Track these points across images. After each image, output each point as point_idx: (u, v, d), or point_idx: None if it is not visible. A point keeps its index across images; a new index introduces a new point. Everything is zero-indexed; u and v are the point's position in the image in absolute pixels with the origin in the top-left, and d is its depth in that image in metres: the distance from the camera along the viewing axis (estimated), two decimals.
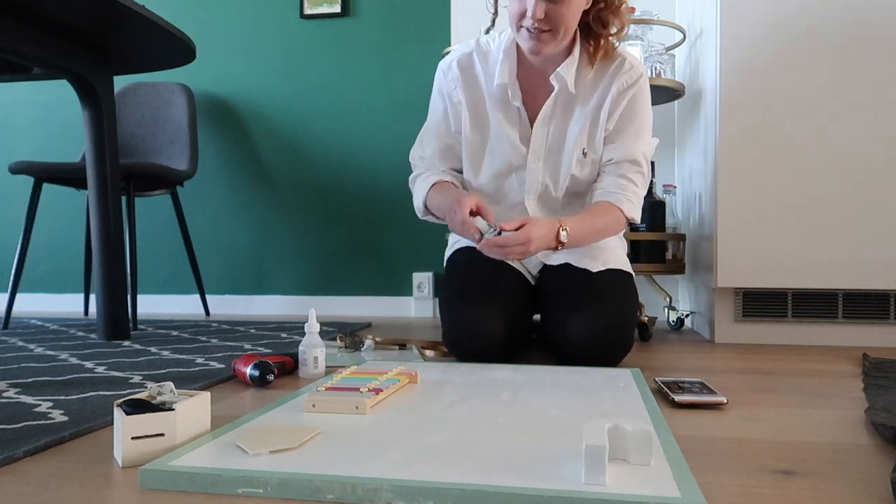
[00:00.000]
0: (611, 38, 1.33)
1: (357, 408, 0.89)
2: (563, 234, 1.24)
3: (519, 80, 1.37)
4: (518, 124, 1.39)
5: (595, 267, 1.35)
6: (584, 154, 1.37)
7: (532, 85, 1.38)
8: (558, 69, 1.32)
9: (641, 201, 1.39)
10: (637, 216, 1.38)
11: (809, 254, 1.69)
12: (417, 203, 1.43)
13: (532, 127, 1.38)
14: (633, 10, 1.90)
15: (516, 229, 1.20)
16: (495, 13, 2.01)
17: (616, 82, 1.34)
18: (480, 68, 1.40)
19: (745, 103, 1.71)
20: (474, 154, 1.43)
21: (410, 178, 1.48)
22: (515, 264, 1.47)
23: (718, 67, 1.72)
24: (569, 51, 1.34)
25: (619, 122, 1.36)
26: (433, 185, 1.39)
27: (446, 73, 1.42)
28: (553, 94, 1.35)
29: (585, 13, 1.29)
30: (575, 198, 1.44)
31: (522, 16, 1.23)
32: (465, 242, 1.49)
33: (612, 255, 1.40)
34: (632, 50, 1.93)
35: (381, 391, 0.96)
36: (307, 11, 2.65)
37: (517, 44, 1.35)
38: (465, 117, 1.41)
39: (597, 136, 1.37)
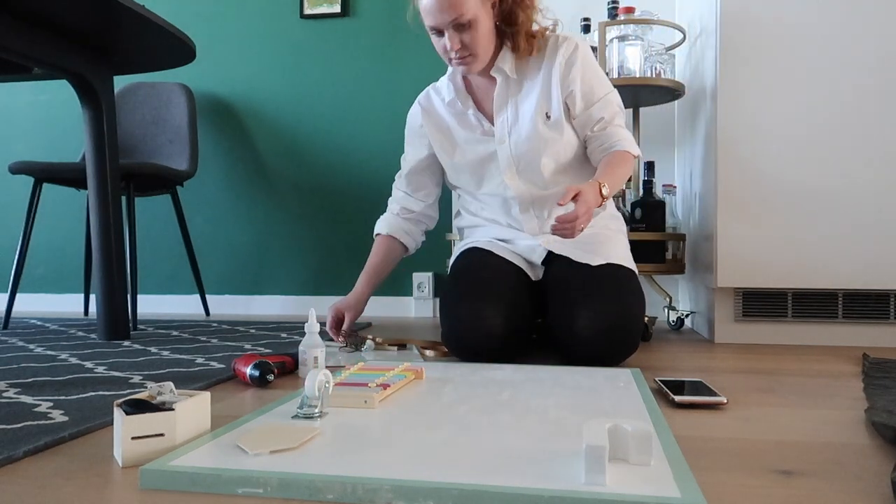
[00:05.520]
0: (531, 27, 1.41)
1: (366, 402, 0.91)
2: (604, 189, 1.29)
3: (471, 92, 1.51)
4: (480, 128, 1.49)
5: (595, 261, 1.37)
6: (548, 116, 1.43)
7: (483, 89, 1.50)
8: (496, 63, 1.43)
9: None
10: (638, 151, 1.46)
11: (809, 254, 1.69)
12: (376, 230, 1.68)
13: (493, 123, 1.48)
14: (633, 9, 1.94)
15: (573, 199, 1.22)
16: None
17: (558, 55, 1.42)
18: (436, 98, 1.57)
19: (745, 103, 1.71)
20: (449, 162, 1.55)
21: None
22: (518, 260, 1.47)
23: (718, 67, 1.72)
24: (498, 48, 1.43)
25: (585, 92, 1.43)
26: (379, 235, 1.68)
27: (413, 115, 1.60)
28: (497, 85, 1.45)
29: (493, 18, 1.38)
30: (561, 175, 1.47)
31: (445, 51, 1.37)
32: (470, 245, 1.52)
33: (614, 250, 1.42)
34: (631, 50, 1.94)
35: (389, 386, 0.98)
36: (307, 11, 2.65)
37: None
38: (436, 141, 1.56)
39: (553, 99, 1.43)
